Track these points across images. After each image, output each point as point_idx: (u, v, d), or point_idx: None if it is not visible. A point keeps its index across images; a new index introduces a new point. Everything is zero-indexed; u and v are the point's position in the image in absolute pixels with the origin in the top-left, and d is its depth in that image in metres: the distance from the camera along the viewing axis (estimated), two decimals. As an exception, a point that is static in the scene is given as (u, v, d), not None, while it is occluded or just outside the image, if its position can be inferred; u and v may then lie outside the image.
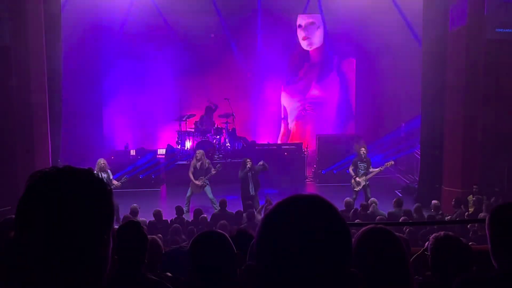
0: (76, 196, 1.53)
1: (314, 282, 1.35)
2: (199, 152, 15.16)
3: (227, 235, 3.03)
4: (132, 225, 3.76)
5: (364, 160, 14.69)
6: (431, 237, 3.74)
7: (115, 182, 14.04)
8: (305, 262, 1.34)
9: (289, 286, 1.36)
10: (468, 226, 10.52)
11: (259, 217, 12.72)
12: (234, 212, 12.52)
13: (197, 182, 14.89)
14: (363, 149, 14.85)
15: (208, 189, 14.91)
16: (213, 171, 14.96)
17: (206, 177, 14.89)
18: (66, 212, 1.50)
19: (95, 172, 13.82)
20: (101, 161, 14.07)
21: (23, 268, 1.55)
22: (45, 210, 1.50)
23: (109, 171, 14.07)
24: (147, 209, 12.93)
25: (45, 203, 1.51)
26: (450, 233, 3.75)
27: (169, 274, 4.80)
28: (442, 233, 3.70)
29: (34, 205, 1.53)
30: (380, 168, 14.78)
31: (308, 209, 1.39)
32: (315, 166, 19.10)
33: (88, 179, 1.58)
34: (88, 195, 1.55)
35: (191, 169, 15.08)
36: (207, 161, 15.20)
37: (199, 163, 14.98)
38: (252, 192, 14.16)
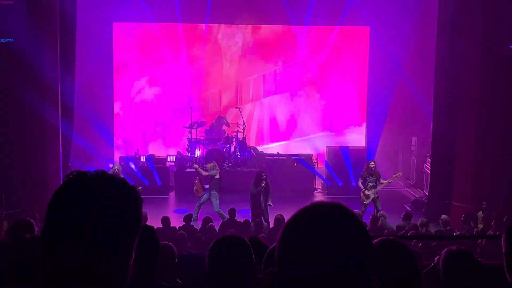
0: (108, 201, 1.55)
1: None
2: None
3: (247, 242, 3.03)
4: (146, 230, 3.74)
5: (373, 173, 14.66)
6: (443, 251, 3.72)
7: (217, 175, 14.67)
8: (327, 269, 1.34)
9: None
10: (478, 242, 10.44)
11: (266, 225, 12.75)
12: (242, 221, 12.50)
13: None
14: (372, 163, 14.84)
15: (215, 203, 14.86)
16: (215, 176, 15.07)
17: (209, 173, 15.00)
18: (96, 214, 1.52)
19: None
20: (116, 166, 14.25)
21: (45, 265, 1.56)
22: (75, 210, 1.52)
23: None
24: (155, 216, 12.93)
25: (77, 202, 1.53)
26: (463, 247, 3.73)
27: (179, 281, 4.80)
28: (454, 247, 3.68)
29: (65, 203, 1.54)
30: (388, 180, 14.76)
31: (330, 216, 1.39)
32: (324, 177, 19.06)
33: (122, 186, 1.59)
34: (120, 201, 1.57)
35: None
36: (205, 173, 15.31)
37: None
38: (262, 205, 14.10)
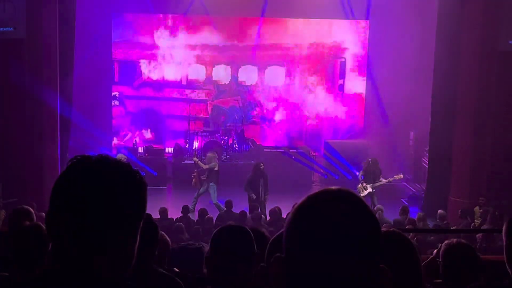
0: (112, 184, 1.54)
1: (344, 275, 1.34)
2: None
3: (250, 231, 3.03)
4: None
5: (375, 170, 14.70)
6: (443, 244, 3.72)
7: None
8: (336, 255, 1.33)
9: (319, 278, 1.35)
10: (477, 237, 10.47)
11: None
12: (238, 213, 12.50)
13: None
14: (373, 159, 14.85)
15: (213, 195, 14.95)
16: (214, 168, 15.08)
17: (208, 165, 15.04)
18: (100, 197, 1.52)
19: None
20: (121, 156, 14.43)
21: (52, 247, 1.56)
22: (80, 193, 1.52)
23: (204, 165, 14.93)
24: (153, 207, 12.92)
25: (81, 186, 1.53)
26: (463, 240, 3.73)
27: (176, 269, 4.80)
28: (454, 240, 3.68)
29: (69, 186, 1.54)
30: (389, 179, 14.80)
31: (339, 202, 1.39)
32: (322, 171, 19.09)
33: (126, 170, 1.59)
34: (125, 185, 1.57)
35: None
36: (207, 166, 15.31)
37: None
38: (262, 197, 14.15)
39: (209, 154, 15.30)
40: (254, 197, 14.06)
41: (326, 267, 1.34)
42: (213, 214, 12.69)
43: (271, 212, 12.48)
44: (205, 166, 15.07)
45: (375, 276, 1.38)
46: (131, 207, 1.57)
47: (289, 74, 21.62)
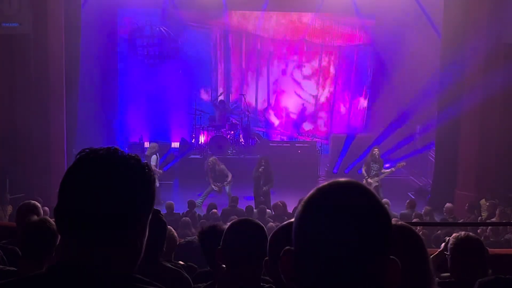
0: (120, 177, 1.54)
1: (355, 267, 1.34)
2: (210, 161, 15.24)
3: (264, 227, 3.04)
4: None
5: (377, 161, 14.64)
6: (451, 237, 3.71)
7: (158, 170, 14.88)
8: (346, 247, 1.33)
9: (329, 271, 1.35)
10: (479, 231, 10.44)
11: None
12: (244, 209, 12.50)
13: (214, 187, 15.10)
14: (376, 150, 14.82)
15: (227, 187, 15.13)
16: (228, 181, 15.10)
17: (222, 185, 15.03)
18: (108, 191, 1.52)
19: (146, 154, 15.15)
20: (156, 145, 15.36)
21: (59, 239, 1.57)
22: (88, 187, 1.52)
23: (157, 156, 14.99)
24: (160, 201, 12.96)
25: (89, 179, 1.53)
26: (471, 233, 3.72)
27: (181, 262, 4.83)
28: (462, 233, 3.67)
29: (77, 180, 1.54)
30: (392, 169, 14.75)
31: (349, 193, 1.38)
32: (328, 165, 19.07)
33: (134, 163, 1.59)
34: (133, 178, 1.57)
35: (210, 174, 15.25)
36: (220, 167, 15.24)
37: (210, 172, 15.21)
38: (264, 188, 14.19)
39: (222, 167, 15.33)
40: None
41: (336, 260, 1.33)
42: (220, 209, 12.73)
43: (274, 207, 12.50)
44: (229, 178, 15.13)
45: (386, 268, 1.38)
46: (139, 201, 1.57)
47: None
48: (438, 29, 16.51)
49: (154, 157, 15.21)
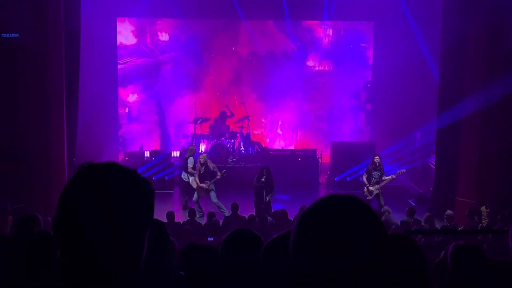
0: (118, 192, 1.55)
1: (351, 279, 1.34)
2: (203, 157, 15.19)
3: (261, 237, 3.04)
4: (156, 225, 3.75)
5: (378, 168, 14.64)
6: (451, 246, 3.72)
7: (218, 173, 14.95)
8: (342, 260, 1.34)
9: (326, 282, 1.35)
10: (479, 238, 10.41)
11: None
12: (246, 217, 12.48)
13: (203, 184, 14.91)
14: (377, 157, 14.82)
15: (212, 194, 14.95)
16: (218, 175, 14.95)
17: (212, 181, 14.90)
18: (107, 205, 1.53)
19: (186, 157, 15.57)
20: (193, 148, 15.82)
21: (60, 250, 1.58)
22: (86, 201, 1.53)
23: (193, 159, 15.31)
24: (160, 210, 12.93)
25: (88, 194, 1.54)
26: (470, 242, 3.73)
27: (182, 273, 4.82)
28: (462, 241, 3.68)
29: (76, 194, 1.55)
30: (392, 176, 14.72)
31: (346, 208, 1.39)
32: (328, 172, 19.08)
33: (133, 177, 1.60)
34: (131, 192, 1.58)
35: (196, 173, 15.09)
36: (212, 164, 15.18)
37: (203, 168, 15.01)
38: (266, 198, 14.16)
39: (202, 156, 15.29)
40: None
41: (332, 272, 1.34)
42: (219, 217, 12.71)
43: (275, 215, 12.48)
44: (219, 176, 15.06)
45: (381, 279, 1.39)
46: (137, 214, 1.58)
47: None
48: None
49: (190, 159, 15.42)
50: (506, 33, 14.11)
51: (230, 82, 21.62)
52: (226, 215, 13.59)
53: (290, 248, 1.44)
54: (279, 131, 21.79)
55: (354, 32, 21.50)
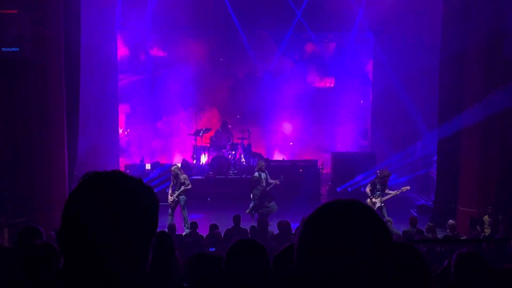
0: (123, 201, 1.55)
1: (355, 285, 1.34)
2: (173, 168, 14.61)
3: (264, 247, 3.03)
4: (161, 236, 3.74)
5: (383, 182, 14.62)
6: (455, 254, 3.72)
7: (273, 181, 14.97)
8: (346, 266, 1.33)
9: (327, 284, 1.35)
10: (483, 246, 10.40)
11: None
12: (248, 229, 12.39)
13: (169, 197, 14.48)
14: (386, 172, 14.69)
15: (182, 204, 14.47)
16: (186, 186, 14.45)
17: (179, 192, 14.38)
18: (111, 214, 1.52)
19: (256, 172, 15.28)
20: (262, 163, 15.34)
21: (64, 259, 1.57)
22: (91, 210, 1.52)
23: (261, 172, 15.06)
24: (161, 223, 12.88)
25: (92, 203, 1.53)
26: (472, 250, 3.72)
27: (185, 285, 4.80)
28: (465, 250, 3.68)
29: (81, 203, 1.55)
30: (396, 191, 14.67)
31: (350, 213, 1.39)
32: (329, 183, 19.05)
33: (137, 187, 1.60)
34: (136, 202, 1.57)
35: (171, 184, 14.69)
36: (183, 176, 14.54)
37: (175, 179, 14.52)
38: (265, 203, 14.20)
39: (186, 175, 14.83)
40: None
41: (336, 278, 1.34)
42: (221, 230, 12.65)
43: (279, 225, 12.40)
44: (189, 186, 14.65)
45: (382, 284, 1.38)
46: (142, 223, 1.57)
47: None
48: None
49: (258, 174, 15.06)
50: (505, 43, 14.15)
51: (230, 96, 21.71)
52: (186, 231, 13.27)
53: (294, 253, 1.43)
54: (290, 143, 21.98)
55: (354, 44, 21.56)
